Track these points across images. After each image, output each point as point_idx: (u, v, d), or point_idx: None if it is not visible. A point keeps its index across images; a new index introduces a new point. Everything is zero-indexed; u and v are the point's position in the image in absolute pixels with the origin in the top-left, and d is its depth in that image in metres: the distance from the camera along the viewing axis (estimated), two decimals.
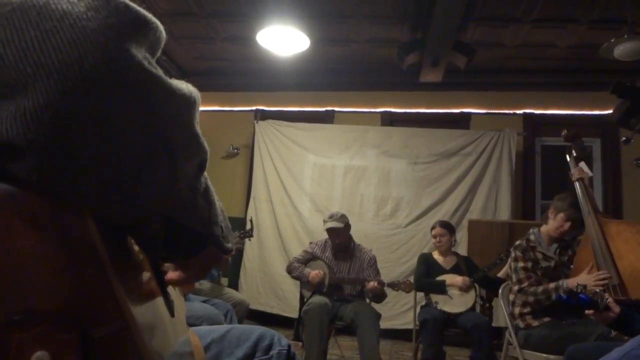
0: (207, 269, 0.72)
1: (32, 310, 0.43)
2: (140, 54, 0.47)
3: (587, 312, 1.89)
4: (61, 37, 0.43)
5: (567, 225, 2.63)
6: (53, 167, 0.44)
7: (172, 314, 0.70)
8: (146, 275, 0.61)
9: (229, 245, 0.68)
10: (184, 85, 0.53)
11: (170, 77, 0.52)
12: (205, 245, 0.66)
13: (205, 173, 0.61)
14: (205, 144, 0.58)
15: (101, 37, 0.44)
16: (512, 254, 2.71)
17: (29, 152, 0.43)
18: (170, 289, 0.75)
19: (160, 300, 0.65)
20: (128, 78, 0.46)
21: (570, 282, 2.38)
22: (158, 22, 0.51)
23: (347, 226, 3.54)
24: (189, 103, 0.54)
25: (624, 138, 2.14)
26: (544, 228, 2.75)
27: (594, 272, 2.30)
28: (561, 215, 2.65)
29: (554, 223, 2.68)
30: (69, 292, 0.44)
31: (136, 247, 0.60)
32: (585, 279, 2.31)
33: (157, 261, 0.69)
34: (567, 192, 2.71)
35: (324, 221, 3.57)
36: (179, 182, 0.54)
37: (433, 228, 3.71)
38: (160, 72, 0.49)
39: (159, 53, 0.53)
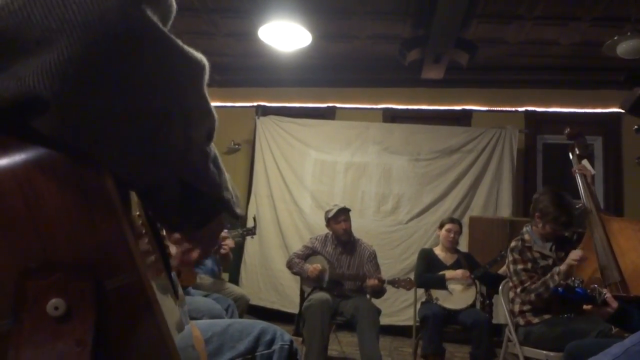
0: (215, 238, 0.73)
1: (50, 259, 0.45)
2: (155, 18, 0.49)
3: (585, 306, 1.90)
4: None
5: (558, 232, 2.61)
6: (75, 122, 0.46)
7: (177, 296, 0.71)
8: (152, 251, 0.62)
9: (239, 210, 0.69)
10: (195, 51, 0.56)
11: None
12: (217, 212, 0.67)
13: (212, 144, 0.63)
14: (214, 112, 0.60)
15: None
16: (510, 257, 2.68)
17: (53, 105, 0.45)
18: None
19: (165, 277, 0.66)
20: (146, 37, 0.48)
21: (563, 267, 2.40)
22: None
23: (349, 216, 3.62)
24: (200, 67, 0.56)
25: (636, 127, 2.13)
26: (535, 227, 2.73)
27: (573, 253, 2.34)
28: (550, 224, 2.59)
29: (544, 230, 2.64)
30: (86, 244, 0.46)
31: (144, 229, 0.60)
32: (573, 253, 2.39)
33: (167, 230, 0.70)
34: (550, 197, 2.61)
35: (329, 210, 3.61)
36: (192, 145, 0.56)
37: (444, 224, 3.68)
38: (174, 37, 0.52)
39: (169, 25, 0.55)
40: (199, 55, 0.56)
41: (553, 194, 2.63)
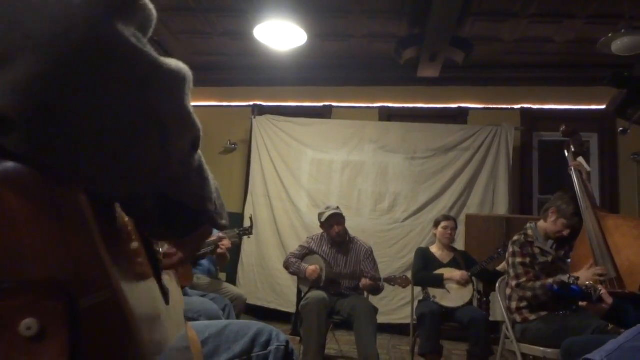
0: (200, 245, 0.75)
1: (22, 278, 0.44)
2: (128, 31, 0.47)
3: (580, 303, 1.91)
4: (48, 11, 0.44)
5: (567, 232, 2.64)
6: (43, 139, 0.45)
7: (167, 302, 0.70)
8: (139, 259, 0.61)
9: (224, 221, 0.68)
10: (173, 62, 0.54)
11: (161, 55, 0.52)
12: (201, 223, 0.67)
13: (200, 152, 0.62)
14: (198, 122, 0.59)
15: (86, 12, 0.44)
16: (510, 249, 2.72)
17: (19, 123, 0.44)
18: (168, 281, 0.75)
19: (154, 285, 0.65)
20: (114, 53, 0.46)
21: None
22: (147, 0, 0.52)
23: (344, 216, 3.61)
24: (178, 79, 0.54)
25: (621, 128, 2.14)
26: (541, 224, 2.75)
27: (593, 268, 2.31)
28: (562, 221, 2.64)
29: (553, 226, 2.67)
30: (58, 262, 0.45)
31: (133, 235, 0.60)
32: (584, 275, 2.32)
33: (152, 239, 0.70)
34: (571, 197, 2.67)
35: (321, 213, 3.60)
36: (170, 158, 0.55)
37: (439, 222, 3.69)
38: (149, 48, 0.50)
39: (150, 32, 0.53)
40: (177, 66, 0.54)
41: (573, 196, 2.66)
